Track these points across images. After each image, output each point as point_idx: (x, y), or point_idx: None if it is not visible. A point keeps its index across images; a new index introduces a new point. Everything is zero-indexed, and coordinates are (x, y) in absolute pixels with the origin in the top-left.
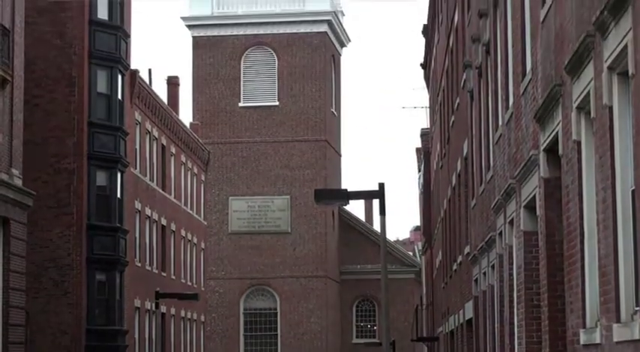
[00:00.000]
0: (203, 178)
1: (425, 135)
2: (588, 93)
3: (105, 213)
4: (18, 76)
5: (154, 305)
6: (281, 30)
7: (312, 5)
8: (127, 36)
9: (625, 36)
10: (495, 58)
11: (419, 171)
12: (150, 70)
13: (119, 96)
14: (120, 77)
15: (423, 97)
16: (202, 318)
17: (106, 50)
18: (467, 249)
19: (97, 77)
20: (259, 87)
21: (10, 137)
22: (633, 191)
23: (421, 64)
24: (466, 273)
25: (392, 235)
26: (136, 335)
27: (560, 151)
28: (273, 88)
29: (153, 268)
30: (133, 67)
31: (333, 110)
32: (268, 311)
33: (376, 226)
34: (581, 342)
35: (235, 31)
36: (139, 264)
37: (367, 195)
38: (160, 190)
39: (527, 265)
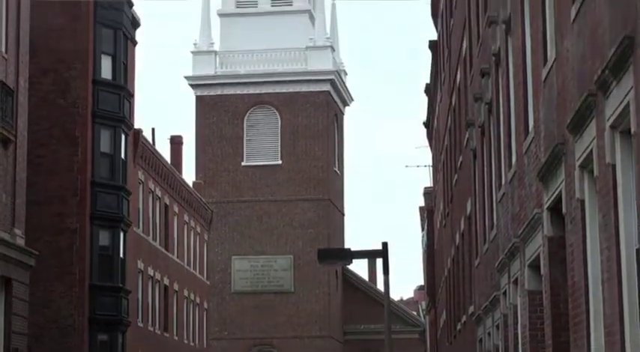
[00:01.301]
0: (206, 237)
1: (428, 193)
2: (591, 151)
3: (107, 273)
4: (21, 136)
5: None
6: (284, 89)
7: (314, 64)
8: (131, 95)
9: (627, 94)
10: (498, 117)
11: (422, 230)
12: (153, 130)
13: (122, 156)
14: (123, 136)
15: (426, 156)
16: None
17: (109, 110)
18: (471, 309)
19: (100, 137)
20: (262, 146)
21: (13, 196)
22: (638, 250)
23: (424, 123)
24: (470, 333)
25: (396, 294)
26: None
27: (564, 210)
28: (275, 146)
29: (155, 329)
30: (136, 126)
31: (336, 169)
32: None
33: (380, 285)
34: None
35: (238, 90)
36: (142, 325)
37: (370, 255)
38: (163, 250)
39: (532, 325)
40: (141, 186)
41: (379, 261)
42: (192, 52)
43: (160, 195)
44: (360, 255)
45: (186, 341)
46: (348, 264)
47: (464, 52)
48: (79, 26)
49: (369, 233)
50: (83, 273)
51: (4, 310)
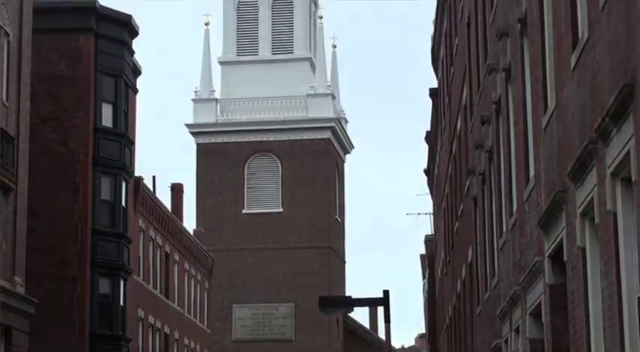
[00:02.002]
0: (206, 285)
1: (429, 241)
2: (592, 199)
3: (107, 321)
4: (22, 183)
5: None
6: (284, 137)
7: (315, 112)
8: (132, 143)
9: (627, 142)
10: (498, 165)
11: (423, 277)
12: (154, 177)
13: (123, 204)
14: (124, 184)
15: (427, 203)
16: None
17: (110, 157)
18: None
19: (101, 184)
20: (263, 194)
21: (14, 245)
22: (639, 298)
23: (425, 170)
24: None
25: (397, 342)
26: None
27: (565, 257)
28: (276, 194)
29: None
30: (137, 174)
31: (337, 217)
32: None
33: (381, 333)
34: None
35: (239, 138)
36: None
37: (371, 303)
38: (163, 298)
39: None
40: (141, 233)
41: (380, 309)
42: (192, 100)
43: (160, 243)
44: (361, 302)
45: None
46: (350, 312)
47: (464, 100)
48: (80, 74)
49: (370, 280)
50: (83, 321)
51: None
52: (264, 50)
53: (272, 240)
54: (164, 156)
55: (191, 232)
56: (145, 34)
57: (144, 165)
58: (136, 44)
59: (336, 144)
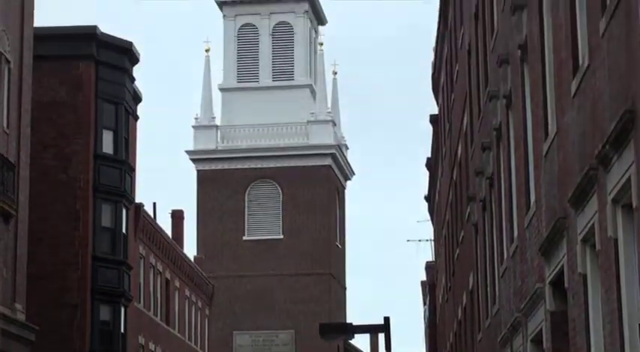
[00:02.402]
0: (207, 312)
1: (430, 268)
2: (593, 225)
3: (108, 348)
4: (22, 210)
5: None
6: (285, 163)
7: (316, 139)
8: (132, 170)
9: (628, 169)
10: (499, 191)
11: (424, 304)
12: (154, 204)
13: (123, 230)
14: (124, 211)
15: (428, 230)
16: None
17: (110, 184)
18: None
19: (101, 211)
20: (263, 220)
21: (14, 271)
22: None
23: (425, 197)
24: None
25: None
26: None
27: (566, 284)
28: (277, 221)
29: None
30: (137, 200)
31: (338, 243)
32: None
33: None
34: None
35: (240, 165)
36: None
37: (372, 330)
38: (164, 325)
39: None
40: (142, 260)
41: (381, 336)
42: (193, 127)
43: (161, 270)
44: (362, 329)
45: None
46: (350, 339)
47: (465, 126)
48: (81, 101)
49: (370, 307)
50: (84, 348)
51: None
52: (265, 77)
53: (272, 267)
54: (165, 183)
55: (192, 259)
56: (146, 61)
57: (144, 192)
58: (137, 71)
59: (336, 170)
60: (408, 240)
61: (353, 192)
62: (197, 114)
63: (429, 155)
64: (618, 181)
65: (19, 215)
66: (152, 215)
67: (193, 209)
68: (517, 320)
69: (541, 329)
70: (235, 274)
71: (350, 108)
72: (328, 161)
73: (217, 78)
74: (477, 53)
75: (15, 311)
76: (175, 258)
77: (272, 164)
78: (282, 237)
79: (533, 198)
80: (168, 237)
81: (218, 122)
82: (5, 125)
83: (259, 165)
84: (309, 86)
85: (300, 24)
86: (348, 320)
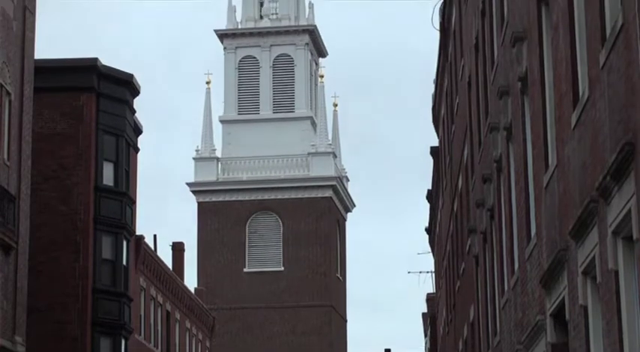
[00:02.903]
0: (208, 344)
1: (431, 300)
2: (593, 257)
3: None
4: (23, 243)
5: None
6: (286, 195)
7: (316, 171)
8: (133, 202)
9: (628, 201)
10: (500, 223)
11: (425, 336)
12: (155, 236)
13: (124, 262)
14: (125, 243)
15: (429, 262)
16: None
17: (111, 216)
18: None
19: (102, 243)
20: (264, 252)
21: (14, 304)
22: None
23: (426, 229)
24: None
25: None
26: None
27: (567, 316)
28: (278, 253)
29: None
30: (138, 232)
31: (339, 275)
32: None
33: None
34: None
35: (240, 197)
36: None
37: None
38: None
39: None
40: (142, 292)
41: None
42: (194, 159)
43: (161, 302)
44: None
45: None
46: None
47: (465, 158)
48: (82, 132)
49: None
50: None
51: None
52: (266, 109)
53: (273, 299)
54: (165, 215)
55: (192, 291)
56: (147, 93)
57: (145, 224)
58: (138, 102)
59: (337, 202)
60: (408, 272)
61: (353, 223)
62: (198, 146)
63: (430, 187)
64: (619, 213)
65: (20, 247)
66: (153, 247)
67: (194, 241)
68: None
69: None
70: (236, 306)
71: (351, 141)
72: (329, 193)
73: (218, 110)
74: (477, 85)
75: (15, 344)
76: (176, 290)
77: (273, 196)
78: (282, 268)
79: (533, 230)
80: (169, 269)
81: (219, 154)
82: (6, 157)
83: (260, 197)
84: (310, 118)
85: (300, 56)
86: None
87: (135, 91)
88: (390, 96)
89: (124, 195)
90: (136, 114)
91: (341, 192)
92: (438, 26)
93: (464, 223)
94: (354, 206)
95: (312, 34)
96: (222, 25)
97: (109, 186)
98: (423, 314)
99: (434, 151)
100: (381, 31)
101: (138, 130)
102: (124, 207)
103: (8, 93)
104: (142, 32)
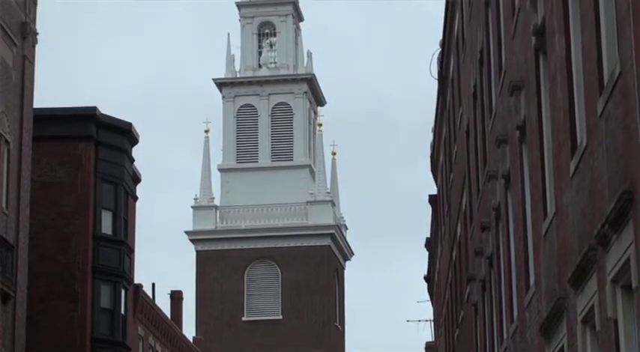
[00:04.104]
0: None
1: (430, 348)
2: (592, 306)
3: None
4: (21, 292)
5: None
6: (284, 244)
7: (315, 219)
8: (131, 250)
9: (627, 249)
10: (499, 271)
11: None
12: (153, 285)
13: (122, 311)
14: (123, 292)
15: (428, 310)
16: None
17: (109, 265)
18: None
19: (100, 292)
20: (263, 301)
21: None
22: None
23: (425, 277)
24: None
25: None
26: None
27: None
28: (276, 301)
29: None
30: (136, 281)
31: (337, 324)
32: None
33: None
34: None
35: (239, 245)
36: None
37: None
38: None
39: None
40: (141, 341)
41: None
42: (192, 207)
43: (160, 351)
44: None
45: None
46: None
47: (464, 206)
48: (80, 181)
49: None
50: None
51: None
52: (264, 157)
53: (272, 348)
54: (164, 263)
55: (191, 340)
56: (146, 141)
57: (143, 273)
58: (136, 151)
59: (336, 251)
60: (407, 321)
61: (352, 272)
62: (196, 195)
63: (429, 235)
64: (617, 261)
65: (18, 296)
66: (151, 296)
67: (192, 289)
68: None
69: None
70: None
71: (349, 189)
72: (327, 241)
73: (217, 158)
74: (475, 133)
75: None
76: (174, 339)
77: (271, 244)
78: (281, 317)
79: (532, 278)
80: (167, 318)
81: (217, 202)
82: (4, 205)
83: (258, 246)
84: (308, 166)
85: (299, 105)
86: None
87: (134, 140)
88: (388, 144)
89: (122, 243)
90: (134, 163)
91: (339, 240)
92: (436, 75)
93: (463, 271)
94: (353, 254)
95: (310, 82)
96: (221, 74)
97: (108, 235)
98: None
99: (432, 199)
100: (380, 79)
101: (136, 179)
102: (122, 256)
103: (7, 142)
104: (140, 80)
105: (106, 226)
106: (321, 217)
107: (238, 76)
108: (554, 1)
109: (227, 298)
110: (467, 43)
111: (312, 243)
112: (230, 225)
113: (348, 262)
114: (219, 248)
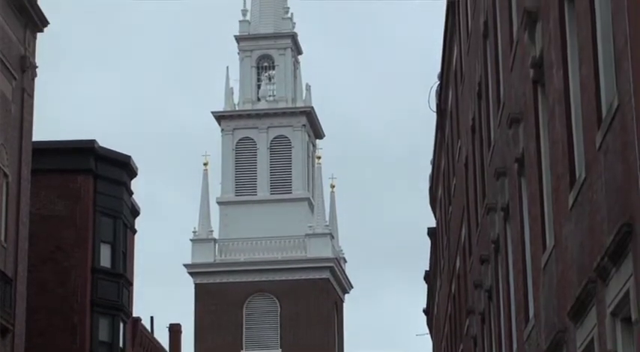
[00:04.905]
0: None
1: None
2: (592, 339)
3: None
4: (19, 325)
5: None
6: (283, 277)
7: (314, 252)
8: (130, 284)
9: (626, 282)
10: (498, 304)
11: None
12: (152, 318)
13: (121, 345)
14: (122, 325)
15: (427, 344)
16: None
17: (108, 298)
18: None
19: (99, 325)
20: (262, 334)
21: None
22: None
23: (424, 310)
24: None
25: None
26: None
27: None
28: (275, 335)
29: None
30: (135, 314)
31: None
32: None
33: None
34: None
35: (238, 278)
36: None
37: None
38: None
39: None
40: None
41: None
42: (191, 240)
43: None
44: None
45: None
46: None
47: (463, 239)
48: (79, 214)
49: None
50: None
51: None
52: (263, 190)
53: None
54: (162, 296)
55: None
56: (144, 174)
57: (142, 306)
58: (135, 184)
59: (335, 283)
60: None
61: (351, 304)
62: (195, 228)
63: (428, 268)
64: (617, 294)
65: (16, 329)
66: (150, 329)
67: (191, 322)
68: None
69: None
70: None
71: (348, 221)
72: (326, 274)
73: (215, 191)
74: (474, 166)
75: None
76: None
77: (270, 277)
78: (280, 350)
79: (532, 311)
80: (166, 351)
81: (216, 235)
82: (3, 239)
83: (257, 279)
84: (307, 199)
85: (297, 138)
86: None
87: (132, 173)
88: (387, 177)
89: (121, 276)
90: (133, 196)
91: (338, 273)
92: (434, 107)
93: (462, 304)
94: (352, 287)
95: (309, 115)
96: (220, 107)
97: (107, 268)
98: None
99: (431, 232)
100: (378, 111)
101: (135, 212)
102: (121, 289)
103: (6, 175)
104: (139, 113)
105: (105, 259)
106: (320, 250)
107: (237, 108)
108: (552, 34)
109: (226, 331)
110: (465, 76)
111: (311, 276)
112: (229, 258)
113: (347, 295)
114: (217, 281)
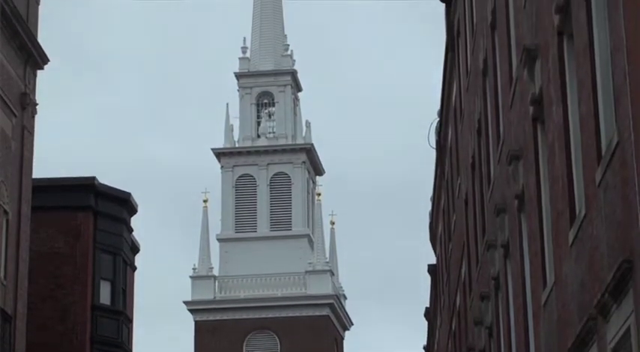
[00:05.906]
0: None
1: None
2: None
3: None
4: None
5: None
6: (283, 314)
7: (314, 289)
8: (130, 321)
9: (627, 318)
10: (498, 341)
11: None
12: None
13: None
14: None
15: None
16: None
17: (108, 335)
18: None
19: None
20: None
21: None
22: None
23: (424, 347)
24: None
25: None
26: None
27: None
28: None
29: None
30: (134, 351)
31: None
32: None
33: None
34: None
35: (237, 315)
36: None
37: None
38: None
39: None
40: None
41: None
42: (191, 277)
43: None
44: None
45: None
46: None
47: (463, 276)
48: (79, 251)
49: None
50: None
51: None
52: (263, 227)
53: None
54: (162, 334)
55: None
56: (144, 211)
57: (142, 343)
58: (135, 221)
59: (335, 320)
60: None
61: (351, 341)
62: (195, 265)
63: (428, 305)
64: (618, 331)
65: None
66: None
67: None
68: None
69: None
70: None
71: (348, 258)
72: (326, 311)
73: (215, 228)
74: (474, 202)
75: None
76: None
77: (270, 314)
78: None
79: (532, 348)
80: None
81: (216, 272)
82: (2, 276)
83: (257, 316)
84: (307, 236)
85: (297, 174)
86: None
87: (132, 210)
88: (387, 213)
89: (120, 313)
90: (133, 233)
91: (338, 310)
92: (434, 144)
93: (462, 341)
94: (352, 324)
95: (309, 152)
96: (220, 144)
97: (106, 305)
98: None
99: (431, 269)
100: (378, 149)
101: (135, 249)
102: (120, 326)
103: (5, 213)
104: (139, 150)
105: (105, 296)
106: (320, 287)
107: (237, 145)
108: (551, 71)
109: None
110: (465, 113)
111: (310, 312)
112: (229, 295)
113: (347, 332)
114: (217, 318)
